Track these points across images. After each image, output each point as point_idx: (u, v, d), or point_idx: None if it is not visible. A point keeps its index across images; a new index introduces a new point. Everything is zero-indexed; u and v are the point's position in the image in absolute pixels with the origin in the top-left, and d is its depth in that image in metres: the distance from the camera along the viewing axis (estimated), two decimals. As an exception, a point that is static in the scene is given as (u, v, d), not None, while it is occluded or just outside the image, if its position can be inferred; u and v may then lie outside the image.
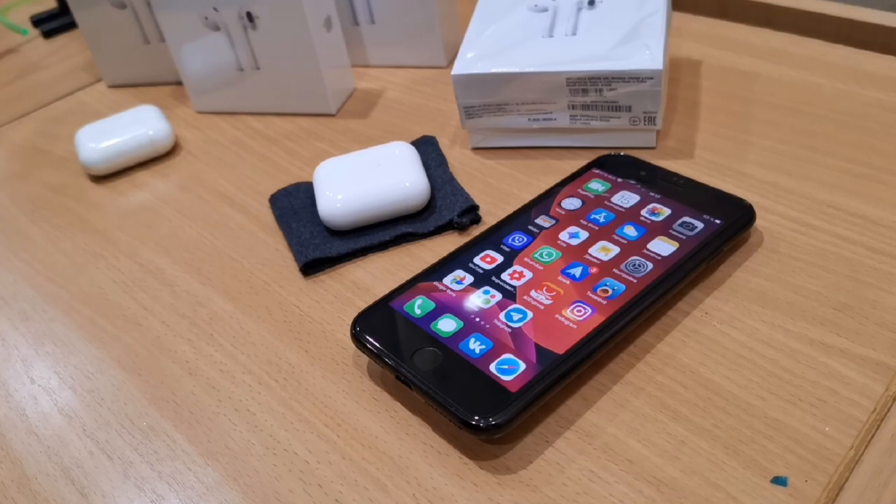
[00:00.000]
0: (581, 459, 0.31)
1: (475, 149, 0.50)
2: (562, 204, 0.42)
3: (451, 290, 0.37)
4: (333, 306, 0.40)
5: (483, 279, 0.38)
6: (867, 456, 0.29)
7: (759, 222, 0.40)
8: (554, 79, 0.45)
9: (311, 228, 0.45)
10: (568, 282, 0.36)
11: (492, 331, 0.35)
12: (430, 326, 0.35)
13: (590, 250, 0.38)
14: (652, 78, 0.43)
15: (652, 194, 0.41)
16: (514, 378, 0.32)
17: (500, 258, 0.39)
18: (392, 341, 0.35)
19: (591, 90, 0.45)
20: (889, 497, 0.28)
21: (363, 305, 0.40)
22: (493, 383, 0.32)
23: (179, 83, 0.64)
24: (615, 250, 0.38)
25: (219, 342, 0.39)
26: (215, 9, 0.53)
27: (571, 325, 0.34)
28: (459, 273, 0.38)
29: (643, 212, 0.40)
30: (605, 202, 0.41)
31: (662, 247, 0.37)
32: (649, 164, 0.43)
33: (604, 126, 0.46)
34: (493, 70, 0.46)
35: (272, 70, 0.55)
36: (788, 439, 0.30)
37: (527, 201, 0.43)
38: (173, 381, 0.38)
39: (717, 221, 0.38)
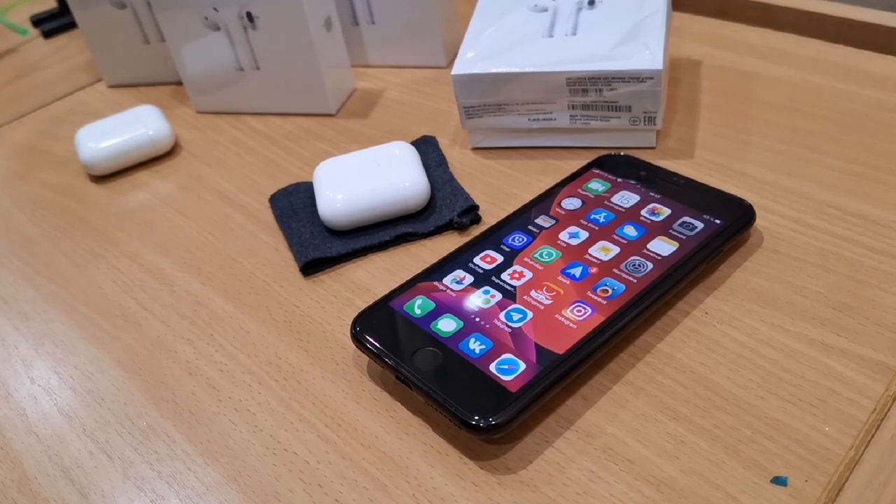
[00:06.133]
0: (581, 459, 0.31)
1: (475, 149, 0.50)
2: (562, 204, 0.42)
3: (451, 290, 0.37)
4: (333, 306, 0.40)
5: (483, 279, 0.38)
6: (867, 456, 0.29)
7: (759, 222, 0.40)
8: (554, 79, 0.45)
9: (311, 228, 0.45)
10: (568, 282, 0.36)
11: (492, 331, 0.35)
12: (430, 326, 0.35)
13: (590, 250, 0.38)
14: (652, 78, 0.43)
15: (652, 194, 0.41)
16: (514, 378, 0.32)
17: (500, 258, 0.39)
18: (392, 341, 0.35)
19: (591, 90, 0.45)
20: (889, 497, 0.28)
21: (363, 305, 0.40)
22: (493, 383, 0.32)
23: (179, 83, 0.64)
24: (615, 250, 0.38)
25: (219, 342, 0.39)
26: (215, 9, 0.53)
27: (571, 325, 0.34)
28: (459, 273, 0.38)
29: (643, 212, 0.40)
30: (605, 202, 0.41)
31: (662, 247, 0.37)
32: (649, 164, 0.43)
33: (604, 126, 0.46)
34: (493, 70, 0.46)
35: (272, 70, 0.55)
36: (788, 439, 0.30)
37: (527, 201, 0.43)
38: (173, 381, 0.38)
39: (717, 221, 0.38)
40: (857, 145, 0.44)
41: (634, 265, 0.37)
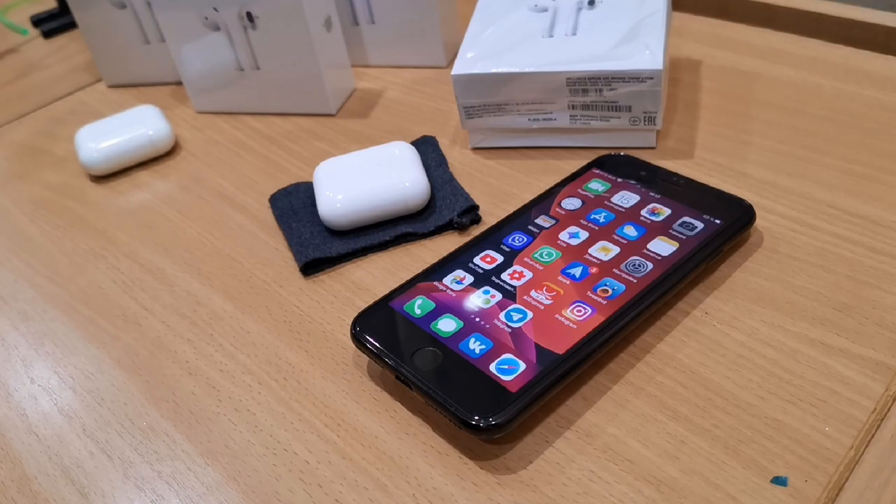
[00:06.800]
0: (581, 459, 0.31)
1: (475, 149, 0.50)
2: (562, 204, 0.42)
3: (451, 290, 0.37)
4: (333, 306, 0.40)
5: (483, 279, 0.38)
6: (867, 456, 0.29)
7: (759, 222, 0.40)
8: (554, 79, 0.45)
9: (311, 228, 0.45)
10: (568, 282, 0.36)
11: (492, 331, 0.35)
12: (430, 326, 0.35)
13: (590, 250, 0.38)
14: (652, 78, 0.43)
15: (652, 194, 0.41)
16: (514, 378, 0.32)
17: (500, 258, 0.39)
18: (392, 341, 0.35)
19: (591, 90, 0.45)
20: (889, 497, 0.28)
21: (363, 305, 0.40)
22: (493, 383, 0.32)
23: (179, 83, 0.64)
24: (615, 250, 0.38)
25: (219, 342, 0.39)
26: (215, 9, 0.53)
27: (571, 325, 0.34)
28: (459, 273, 0.38)
29: (643, 212, 0.40)
30: (605, 202, 0.41)
31: (662, 247, 0.37)
32: (649, 164, 0.43)
33: (604, 126, 0.46)
34: (493, 70, 0.46)
35: (272, 70, 0.55)
36: (788, 439, 0.30)
37: (527, 201, 0.43)
38: (173, 381, 0.38)
39: (717, 221, 0.38)
40: (857, 145, 0.44)
41: (634, 265, 0.37)
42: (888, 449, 0.30)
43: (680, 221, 0.39)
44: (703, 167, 0.45)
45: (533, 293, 0.36)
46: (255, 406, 0.36)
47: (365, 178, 0.44)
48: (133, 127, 0.54)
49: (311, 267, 0.43)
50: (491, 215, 0.44)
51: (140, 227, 0.49)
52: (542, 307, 0.35)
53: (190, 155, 0.55)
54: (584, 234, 0.39)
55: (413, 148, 0.47)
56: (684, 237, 0.38)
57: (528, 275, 0.37)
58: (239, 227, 0.47)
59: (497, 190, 0.46)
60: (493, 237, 0.40)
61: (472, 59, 0.47)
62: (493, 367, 0.33)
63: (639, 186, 0.42)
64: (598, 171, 0.44)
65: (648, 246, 0.38)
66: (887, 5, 0.56)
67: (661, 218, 0.39)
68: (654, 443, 0.31)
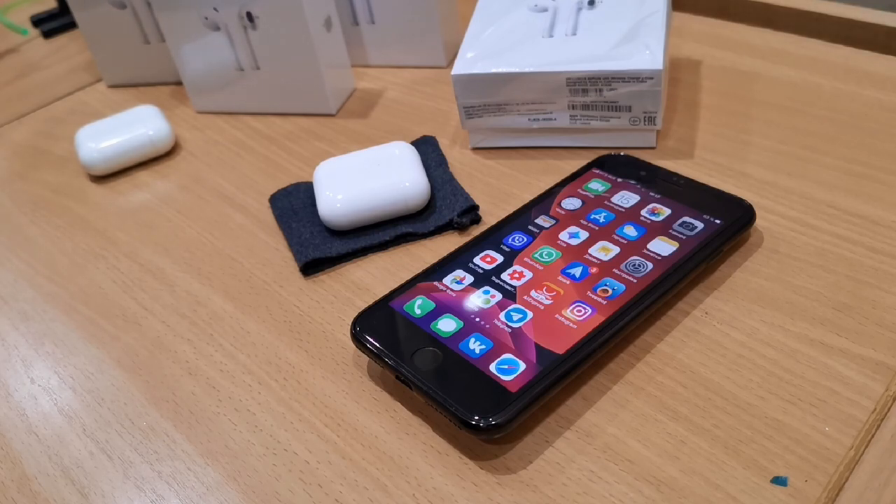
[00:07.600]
0: (581, 459, 0.31)
1: (475, 149, 0.50)
2: (562, 204, 0.42)
3: (451, 290, 0.37)
4: (333, 306, 0.40)
5: (483, 279, 0.38)
6: (867, 456, 0.29)
7: (759, 222, 0.40)
8: (554, 79, 0.45)
9: (311, 228, 0.45)
10: (568, 282, 0.36)
11: (492, 331, 0.35)
12: (430, 326, 0.35)
13: (590, 250, 0.38)
14: (652, 78, 0.43)
15: (652, 194, 0.41)
16: (514, 378, 0.32)
17: (500, 258, 0.39)
18: (392, 341, 0.35)
19: (591, 90, 0.45)
20: (889, 497, 0.28)
21: (363, 305, 0.40)
22: (493, 383, 0.32)
23: (179, 83, 0.64)
24: (615, 250, 0.38)
25: (219, 342, 0.39)
26: (215, 9, 0.53)
27: (571, 325, 0.34)
28: (459, 273, 0.38)
29: (643, 212, 0.40)
30: (605, 202, 0.41)
31: (662, 247, 0.37)
32: (649, 164, 0.43)
33: (604, 126, 0.46)
34: (493, 70, 0.46)
35: (272, 70, 0.55)
36: (788, 439, 0.30)
37: (527, 201, 0.43)
38: (173, 381, 0.38)
39: (717, 221, 0.38)
40: (857, 145, 0.44)
41: (634, 265, 0.37)
42: (888, 449, 0.30)
43: (680, 221, 0.39)
44: (703, 167, 0.45)
45: (533, 293, 0.36)
46: (255, 406, 0.36)
47: (365, 178, 0.44)
48: (133, 127, 0.54)
49: (311, 267, 0.43)
50: (491, 215, 0.44)
51: (140, 227, 0.49)
52: (542, 307, 0.35)
53: (190, 155, 0.55)
54: (584, 234, 0.39)
55: (413, 148, 0.47)
56: (684, 237, 0.38)
57: (528, 275, 0.37)
58: (239, 227, 0.47)
59: (497, 190, 0.46)
60: (493, 237, 0.40)
61: (472, 59, 0.47)
62: (493, 367, 0.33)
63: (639, 186, 0.42)
64: (598, 171, 0.44)
65: (648, 246, 0.38)
66: (887, 5, 0.56)
67: (661, 218, 0.39)
68: (654, 443, 0.31)
